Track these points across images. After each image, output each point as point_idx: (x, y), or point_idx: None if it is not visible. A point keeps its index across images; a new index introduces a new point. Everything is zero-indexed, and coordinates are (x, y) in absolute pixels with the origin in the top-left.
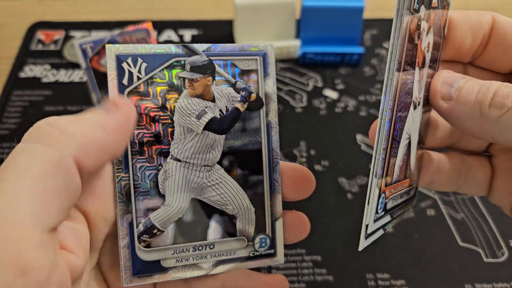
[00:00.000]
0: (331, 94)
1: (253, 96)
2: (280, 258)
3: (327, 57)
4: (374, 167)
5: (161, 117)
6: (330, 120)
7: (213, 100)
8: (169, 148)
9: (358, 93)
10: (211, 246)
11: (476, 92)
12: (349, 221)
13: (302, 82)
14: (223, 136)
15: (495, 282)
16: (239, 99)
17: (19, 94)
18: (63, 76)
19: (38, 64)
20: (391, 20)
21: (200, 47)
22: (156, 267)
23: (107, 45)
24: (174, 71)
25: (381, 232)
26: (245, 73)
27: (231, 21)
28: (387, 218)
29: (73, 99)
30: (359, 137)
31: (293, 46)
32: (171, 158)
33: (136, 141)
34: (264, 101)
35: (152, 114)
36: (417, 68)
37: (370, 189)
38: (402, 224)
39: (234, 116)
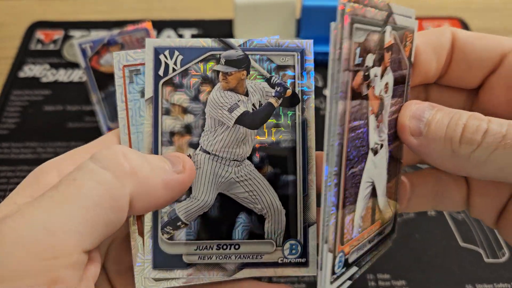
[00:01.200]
0: None
1: (289, 92)
2: (312, 269)
3: (327, 57)
4: (322, 233)
5: (193, 109)
6: None
7: (246, 94)
8: (199, 139)
9: None
10: (236, 247)
11: (445, 127)
12: None
13: None
14: (255, 131)
15: (496, 283)
16: (273, 94)
17: (19, 94)
18: (63, 75)
19: (38, 64)
20: None
21: (236, 41)
22: (178, 261)
23: (146, 39)
24: (209, 64)
25: (348, 283)
26: (281, 68)
27: (231, 21)
28: (353, 269)
29: (73, 98)
30: None
31: None
32: (200, 149)
33: (167, 131)
34: (300, 98)
35: (184, 105)
36: (371, 116)
37: (322, 255)
38: (403, 224)
39: (267, 111)
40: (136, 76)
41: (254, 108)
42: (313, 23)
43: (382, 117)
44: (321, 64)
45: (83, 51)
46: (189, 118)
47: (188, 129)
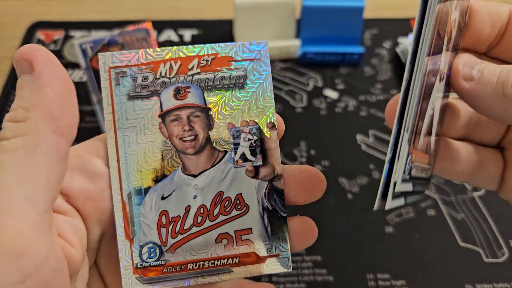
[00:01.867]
0: (331, 94)
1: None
2: None
3: (327, 57)
4: (406, 122)
5: None
6: (330, 120)
7: None
8: None
9: (358, 93)
10: None
11: (498, 74)
12: (350, 221)
13: (302, 82)
14: None
15: (495, 282)
16: None
17: None
18: None
19: None
20: (391, 20)
21: None
22: None
23: None
24: None
25: (402, 201)
26: None
27: (231, 21)
28: (410, 186)
29: None
30: (359, 137)
31: (293, 46)
32: None
33: None
34: None
35: None
36: (446, 39)
37: (401, 144)
38: (403, 224)
39: None
40: (123, 78)
41: None
42: (313, 23)
43: (449, 48)
44: (321, 64)
45: (84, 51)
46: None
47: None
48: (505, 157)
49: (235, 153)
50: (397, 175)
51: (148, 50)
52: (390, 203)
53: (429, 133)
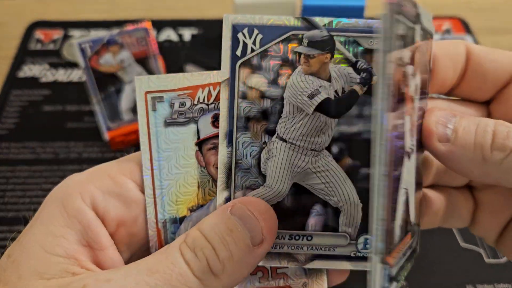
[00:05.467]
0: None
1: (375, 79)
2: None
3: None
4: (374, 242)
5: (271, 93)
6: None
7: (329, 80)
8: (276, 126)
9: None
10: (309, 238)
11: (474, 134)
12: None
13: None
14: (335, 120)
15: (497, 283)
16: (358, 81)
17: (18, 94)
18: (62, 75)
19: (37, 64)
20: None
21: (321, 21)
22: None
23: (224, 15)
24: (290, 45)
25: None
26: (368, 52)
27: None
28: (394, 285)
29: (72, 98)
30: None
31: None
32: (276, 137)
33: (243, 116)
34: None
35: (262, 89)
36: (407, 117)
37: (372, 268)
38: None
39: (351, 99)
40: (160, 104)
41: (336, 95)
42: None
43: (414, 120)
44: None
45: (83, 51)
46: (266, 103)
47: (265, 114)
48: (476, 197)
49: None
50: None
51: (185, 74)
52: None
53: (406, 214)
